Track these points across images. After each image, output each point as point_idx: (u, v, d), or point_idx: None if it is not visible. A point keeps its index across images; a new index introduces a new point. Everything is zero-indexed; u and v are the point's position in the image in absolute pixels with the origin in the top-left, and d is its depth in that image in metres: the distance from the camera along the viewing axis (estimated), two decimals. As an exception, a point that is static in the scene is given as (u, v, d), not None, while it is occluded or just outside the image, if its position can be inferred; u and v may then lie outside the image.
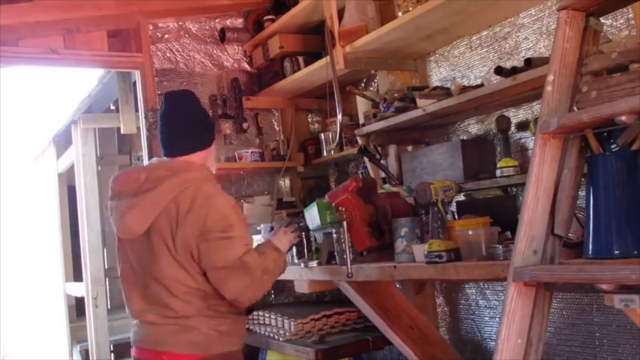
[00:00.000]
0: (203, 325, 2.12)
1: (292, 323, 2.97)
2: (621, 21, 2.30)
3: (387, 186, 2.92)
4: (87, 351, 4.91)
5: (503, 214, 2.33)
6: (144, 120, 3.45)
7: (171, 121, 2.24)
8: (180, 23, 3.69)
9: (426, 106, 2.71)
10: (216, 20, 3.81)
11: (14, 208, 6.26)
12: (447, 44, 3.03)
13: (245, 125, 3.78)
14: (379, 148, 3.15)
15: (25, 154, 6.10)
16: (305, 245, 2.66)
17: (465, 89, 2.59)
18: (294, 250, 2.76)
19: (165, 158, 2.24)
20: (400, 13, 2.75)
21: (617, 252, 1.58)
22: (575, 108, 1.67)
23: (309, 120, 4.07)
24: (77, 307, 5.50)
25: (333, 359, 2.82)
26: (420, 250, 2.14)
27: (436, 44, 3.05)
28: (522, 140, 2.69)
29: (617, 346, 2.37)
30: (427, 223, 2.19)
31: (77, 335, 5.38)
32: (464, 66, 2.97)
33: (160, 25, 3.62)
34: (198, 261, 2.09)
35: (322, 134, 3.67)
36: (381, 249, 2.39)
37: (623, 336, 2.35)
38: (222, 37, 3.77)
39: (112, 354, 4.91)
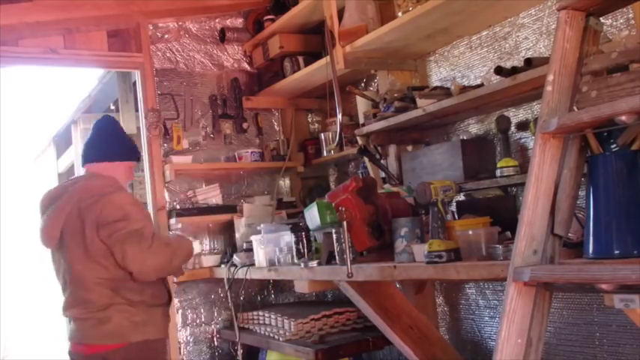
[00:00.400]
0: (117, 316, 2.34)
1: (292, 323, 2.97)
2: (621, 21, 2.30)
3: (387, 186, 2.92)
4: (87, 351, 4.91)
5: (503, 214, 2.33)
6: (144, 120, 3.45)
7: (88, 137, 2.61)
8: (180, 23, 3.69)
9: (426, 106, 2.71)
10: (216, 20, 3.81)
11: (14, 208, 6.25)
12: (447, 44, 3.03)
13: (245, 125, 3.78)
14: (379, 148, 3.15)
15: (25, 154, 6.10)
16: (305, 245, 2.66)
17: (465, 89, 2.59)
18: (294, 250, 2.76)
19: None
20: (400, 13, 2.75)
21: (617, 252, 1.58)
22: (575, 108, 1.67)
23: (309, 120, 4.07)
24: (77, 307, 5.49)
25: (333, 359, 2.83)
26: (420, 250, 2.14)
27: (436, 44, 3.05)
28: (522, 140, 2.69)
29: (617, 345, 2.37)
30: (427, 223, 2.19)
31: (77, 335, 5.37)
32: (464, 66, 2.97)
33: (160, 25, 3.62)
34: (106, 250, 2.32)
35: (322, 134, 3.67)
36: (381, 249, 2.39)
37: (623, 336, 2.35)
38: (222, 37, 3.77)
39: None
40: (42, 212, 2.48)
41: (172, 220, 3.43)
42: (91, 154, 2.55)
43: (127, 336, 2.35)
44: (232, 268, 3.18)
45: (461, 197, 2.78)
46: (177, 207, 3.52)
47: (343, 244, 2.31)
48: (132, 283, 2.37)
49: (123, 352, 2.34)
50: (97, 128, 2.60)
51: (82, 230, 2.33)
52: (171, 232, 3.38)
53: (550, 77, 1.68)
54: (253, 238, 3.07)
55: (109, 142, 2.56)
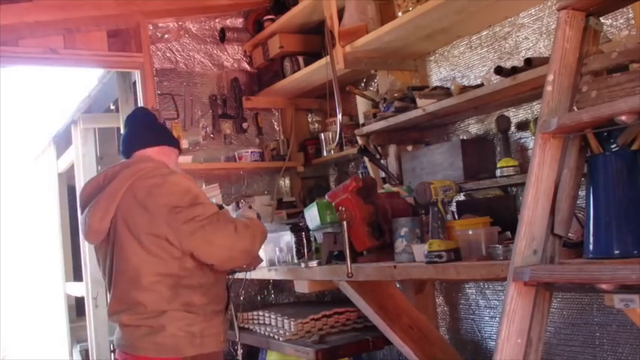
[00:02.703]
0: (172, 326, 2.07)
1: (292, 323, 2.97)
2: (621, 21, 2.30)
3: (387, 186, 2.92)
4: (87, 351, 4.91)
5: (503, 214, 2.33)
6: (144, 120, 3.45)
7: (126, 128, 2.38)
8: (180, 23, 3.69)
9: (426, 106, 2.71)
10: (216, 20, 3.81)
11: (14, 208, 6.26)
12: (447, 44, 3.03)
13: (245, 125, 3.78)
14: (379, 148, 3.15)
15: (25, 154, 6.10)
16: (305, 245, 2.66)
17: (464, 89, 2.59)
18: (294, 250, 2.76)
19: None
20: (400, 13, 2.75)
21: (617, 252, 1.58)
22: (575, 108, 1.67)
23: (309, 120, 4.07)
24: (77, 307, 5.49)
25: (333, 359, 2.82)
26: (420, 250, 2.14)
27: (436, 44, 3.05)
28: (522, 140, 2.69)
29: (617, 345, 2.37)
30: (427, 223, 2.19)
31: (77, 335, 5.37)
32: (464, 66, 2.97)
33: (160, 25, 3.62)
34: (171, 242, 2.06)
35: (322, 134, 3.67)
36: (381, 249, 2.39)
37: (623, 336, 2.35)
38: (222, 37, 3.78)
39: (112, 354, 4.90)
40: (84, 205, 2.21)
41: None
42: (139, 141, 2.30)
43: (181, 349, 2.08)
44: (232, 268, 3.18)
45: (461, 197, 2.78)
46: (178, 207, 3.51)
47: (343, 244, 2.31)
48: (194, 280, 2.11)
49: None
50: (137, 117, 2.42)
51: (139, 219, 2.06)
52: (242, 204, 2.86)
53: (550, 77, 1.68)
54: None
55: (157, 128, 2.37)
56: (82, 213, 2.22)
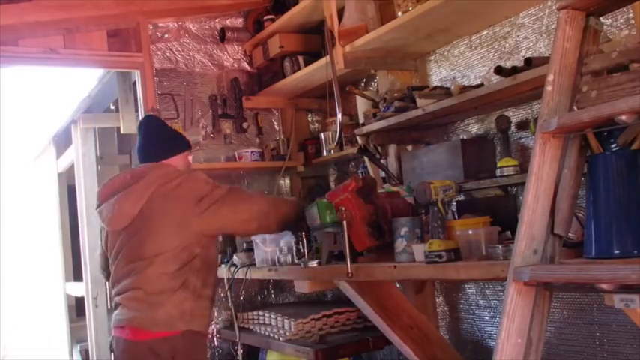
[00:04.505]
0: (169, 303, 2.30)
1: (292, 323, 2.97)
2: (621, 20, 2.30)
3: (387, 186, 2.92)
4: (87, 351, 4.91)
5: (503, 214, 2.34)
6: (144, 120, 3.45)
7: (141, 139, 2.57)
8: (180, 23, 3.69)
9: (426, 105, 2.71)
10: (216, 20, 3.81)
11: (14, 208, 6.26)
12: (447, 44, 3.03)
13: (245, 125, 3.78)
14: (379, 148, 3.15)
15: (25, 154, 6.10)
16: (305, 245, 2.66)
17: (464, 89, 2.59)
18: (294, 250, 2.76)
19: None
20: (400, 13, 2.75)
21: (617, 252, 1.58)
22: (575, 108, 1.67)
23: (309, 120, 4.07)
24: (77, 307, 5.50)
25: (333, 359, 2.83)
26: (420, 250, 2.14)
27: (436, 44, 3.05)
28: (522, 140, 2.69)
29: (618, 345, 2.37)
30: (427, 223, 2.19)
31: (77, 335, 5.38)
32: (464, 66, 2.97)
33: (160, 24, 3.62)
34: (196, 226, 2.32)
35: (322, 134, 3.67)
36: (381, 249, 2.39)
37: (624, 335, 2.35)
38: (222, 36, 3.78)
39: (112, 354, 4.90)
40: (107, 196, 2.42)
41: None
42: (160, 153, 2.53)
43: (175, 324, 2.31)
44: (232, 268, 3.18)
45: (461, 197, 2.78)
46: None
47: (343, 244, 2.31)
48: (197, 263, 2.35)
49: (172, 340, 2.29)
50: (147, 128, 2.60)
51: (170, 206, 2.32)
52: None
53: (550, 77, 1.68)
54: (254, 237, 3.06)
55: (165, 139, 2.57)
56: (100, 205, 2.43)
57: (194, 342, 2.37)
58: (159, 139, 2.57)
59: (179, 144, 2.58)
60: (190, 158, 2.62)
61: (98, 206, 2.45)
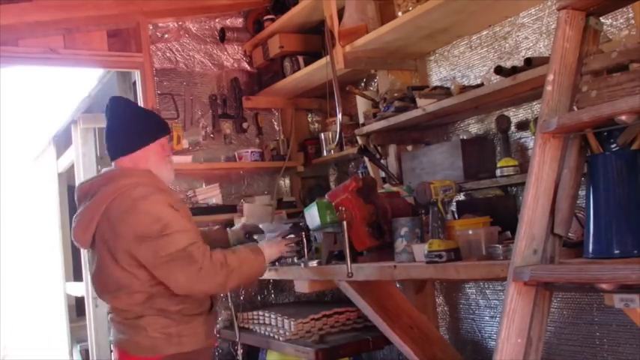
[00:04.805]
0: (150, 328, 2.14)
1: (292, 323, 2.97)
2: (621, 20, 2.30)
3: (387, 186, 2.92)
4: (87, 351, 4.91)
5: (503, 214, 2.33)
6: (144, 120, 3.44)
7: (106, 128, 2.31)
8: (180, 23, 3.68)
9: (426, 105, 2.71)
10: (216, 20, 3.81)
11: (14, 208, 6.25)
12: (447, 44, 3.03)
13: (245, 125, 3.78)
14: (379, 148, 3.15)
15: (25, 154, 6.10)
16: (305, 245, 2.66)
17: (464, 89, 2.59)
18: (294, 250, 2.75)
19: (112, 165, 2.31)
20: (400, 13, 2.75)
21: (617, 252, 1.58)
22: (575, 108, 1.67)
23: (309, 120, 4.07)
24: (77, 307, 5.49)
25: (333, 359, 2.82)
26: (420, 250, 2.14)
27: (436, 44, 3.05)
28: (522, 140, 2.69)
29: (618, 345, 2.37)
30: (427, 223, 2.19)
31: (77, 335, 5.37)
32: (464, 66, 2.97)
33: (160, 24, 3.62)
34: (142, 264, 2.10)
35: (322, 134, 3.67)
36: (381, 249, 2.39)
37: (624, 335, 2.35)
38: (222, 36, 3.78)
39: (112, 354, 4.90)
40: (78, 203, 2.26)
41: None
42: (114, 149, 2.27)
43: (160, 349, 2.14)
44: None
45: (461, 197, 2.78)
46: (177, 207, 3.51)
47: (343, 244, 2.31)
48: (168, 291, 2.13)
49: None
50: (110, 116, 2.28)
51: (115, 240, 2.10)
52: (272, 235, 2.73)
53: (550, 77, 1.68)
54: (255, 237, 3.06)
55: (128, 130, 2.26)
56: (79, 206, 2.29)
57: None
58: (122, 129, 2.26)
59: (148, 133, 2.26)
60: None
61: (78, 208, 2.27)
